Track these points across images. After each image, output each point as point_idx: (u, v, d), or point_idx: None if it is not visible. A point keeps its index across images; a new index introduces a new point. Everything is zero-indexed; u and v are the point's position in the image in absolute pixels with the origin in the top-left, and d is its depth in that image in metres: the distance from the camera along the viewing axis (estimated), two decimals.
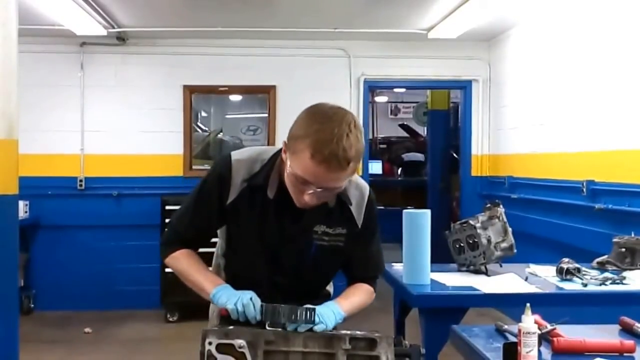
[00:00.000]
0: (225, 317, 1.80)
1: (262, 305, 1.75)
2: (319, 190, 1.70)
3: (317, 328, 1.73)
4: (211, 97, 6.74)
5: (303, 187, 1.70)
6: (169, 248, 1.96)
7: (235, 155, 1.89)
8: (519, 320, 1.72)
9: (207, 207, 1.90)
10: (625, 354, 1.83)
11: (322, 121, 1.66)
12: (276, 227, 1.86)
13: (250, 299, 1.76)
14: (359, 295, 1.98)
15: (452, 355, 2.30)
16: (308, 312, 1.71)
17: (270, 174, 1.84)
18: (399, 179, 10.97)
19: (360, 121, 6.58)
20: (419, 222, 2.73)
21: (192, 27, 5.77)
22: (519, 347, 1.70)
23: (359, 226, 1.91)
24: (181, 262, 1.94)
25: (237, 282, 1.89)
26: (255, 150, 1.94)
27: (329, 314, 1.79)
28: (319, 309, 1.77)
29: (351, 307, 1.91)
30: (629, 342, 1.87)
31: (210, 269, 2.05)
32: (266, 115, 6.40)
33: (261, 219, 1.85)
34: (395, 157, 11.46)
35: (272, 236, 1.87)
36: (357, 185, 1.92)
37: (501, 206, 3.08)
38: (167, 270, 5.62)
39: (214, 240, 2.06)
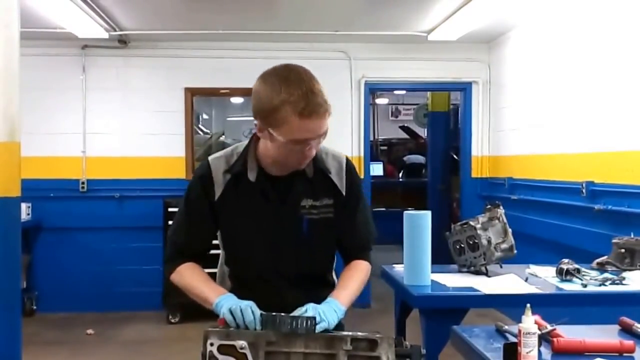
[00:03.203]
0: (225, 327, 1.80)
1: (261, 315, 1.75)
2: (315, 141, 1.75)
3: (320, 327, 1.74)
4: (212, 99, 6.76)
5: (302, 147, 1.75)
6: (172, 264, 1.97)
7: (211, 157, 1.95)
8: (519, 320, 1.73)
9: (198, 212, 1.92)
10: (625, 354, 1.84)
11: (286, 84, 1.69)
12: (265, 210, 1.88)
13: (250, 307, 1.74)
14: (355, 278, 1.97)
15: (452, 355, 2.31)
16: (309, 321, 1.72)
17: (247, 160, 1.88)
18: (400, 180, 10.99)
19: (361, 123, 6.59)
20: (419, 223, 2.75)
21: (193, 29, 5.79)
22: (519, 348, 1.71)
23: (344, 194, 1.93)
24: (184, 276, 1.95)
25: (243, 284, 1.91)
26: (229, 148, 1.98)
27: (331, 312, 1.79)
28: (320, 307, 1.78)
29: (350, 296, 1.91)
30: (629, 342, 1.88)
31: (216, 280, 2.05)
32: None
33: (250, 205, 1.88)
34: (396, 159, 11.48)
35: (264, 220, 1.88)
36: (333, 156, 1.95)
37: (501, 207, 3.09)
38: None
39: (215, 252, 2.05)
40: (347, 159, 1.99)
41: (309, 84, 1.69)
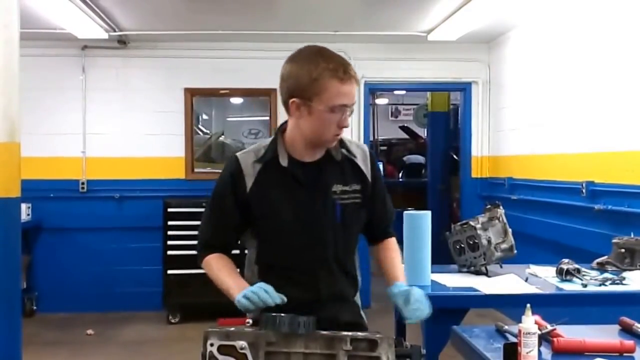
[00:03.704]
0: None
1: (261, 315, 1.75)
2: (348, 111, 1.87)
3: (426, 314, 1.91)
4: (212, 99, 6.76)
5: (339, 116, 1.85)
6: (201, 256, 2.03)
7: (239, 153, 2.01)
8: (519, 320, 1.73)
9: (223, 207, 1.98)
10: (625, 354, 1.84)
11: (322, 57, 1.87)
12: (299, 195, 1.92)
13: (260, 287, 1.79)
14: (398, 256, 2.12)
15: (452, 355, 2.31)
16: (309, 322, 1.72)
17: (276, 149, 1.95)
18: (400, 180, 10.99)
19: (361, 123, 6.57)
20: (419, 223, 2.75)
21: (193, 30, 5.79)
22: (519, 348, 1.71)
23: (369, 179, 2.01)
24: (212, 267, 2.00)
25: (278, 275, 1.90)
26: (254, 145, 2.05)
27: (424, 299, 1.92)
28: (418, 294, 1.90)
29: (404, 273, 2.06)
30: (629, 342, 1.88)
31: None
32: (267, 118, 6.42)
33: (284, 190, 1.92)
34: (396, 159, 11.48)
35: (298, 205, 1.91)
36: (357, 145, 2.06)
37: (501, 207, 3.10)
38: (169, 272, 5.72)
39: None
40: (369, 147, 2.10)
41: (339, 56, 1.89)
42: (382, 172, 2.16)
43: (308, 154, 1.95)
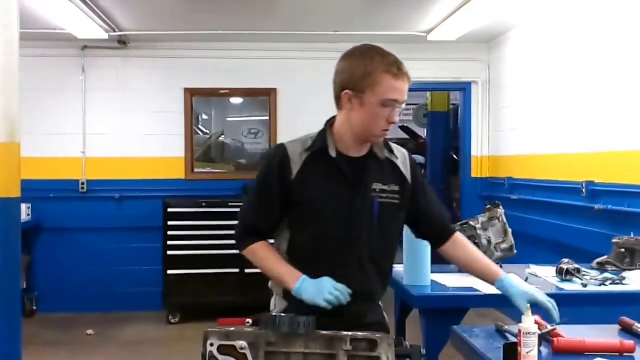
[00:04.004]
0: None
1: (261, 315, 1.75)
2: (400, 105, 1.92)
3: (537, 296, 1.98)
4: (212, 100, 6.76)
5: (389, 110, 1.90)
6: (243, 242, 2.05)
7: (286, 142, 2.03)
8: (519, 320, 1.73)
9: (270, 191, 1.98)
10: (625, 354, 1.84)
11: (378, 54, 1.93)
12: (343, 187, 1.95)
13: (334, 288, 1.85)
14: (476, 249, 2.20)
15: (452, 355, 2.31)
16: (309, 322, 1.72)
17: (326, 140, 1.98)
18: None
19: None
20: None
21: (192, 30, 5.79)
22: (519, 348, 1.71)
23: (409, 182, 2.04)
24: (258, 254, 2.02)
25: (310, 266, 1.92)
26: (300, 136, 2.05)
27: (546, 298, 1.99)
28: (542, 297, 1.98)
29: None
30: (629, 342, 1.88)
31: None
32: (267, 118, 6.42)
33: (329, 180, 1.95)
34: None
35: (341, 197, 1.94)
36: (397, 147, 2.10)
37: (501, 207, 3.10)
38: (169, 272, 5.72)
39: None
40: (409, 153, 2.14)
41: (394, 54, 1.94)
42: (424, 179, 2.18)
43: (354, 148, 1.99)
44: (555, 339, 1.88)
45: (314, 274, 1.90)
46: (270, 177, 1.98)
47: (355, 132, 1.95)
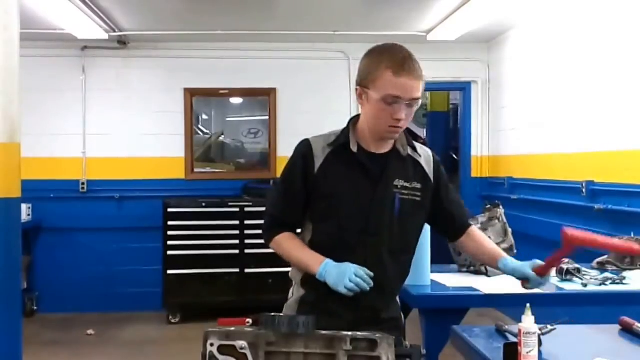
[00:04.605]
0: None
1: (261, 315, 1.75)
2: (406, 103, 1.90)
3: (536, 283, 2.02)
4: (212, 100, 6.76)
5: (393, 107, 1.90)
6: (270, 234, 2.08)
7: (310, 137, 2.08)
8: (519, 320, 1.74)
9: (295, 184, 2.03)
10: (635, 256, 1.81)
11: (388, 50, 1.95)
12: (364, 182, 1.98)
13: (356, 274, 1.87)
14: (487, 238, 2.25)
15: (452, 355, 2.31)
16: (308, 321, 1.72)
17: (349, 135, 2.02)
18: None
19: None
20: None
21: (192, 30, 5.79)
22: (519, 347, 1.71)
23: (432, 180, 2.07)
24: (283, 245, 2.05)
25: (326, 254, 1.95)
26: (325, 133, 2.10)
27: (530, 271, 2.03)
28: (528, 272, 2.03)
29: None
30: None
31: None
32: (267, 117, 6.42)
33: (350, 175, 1.99)
34: None
35: (361, 192, 1.97)
36: (422, 147, 2.12)
37: (501, 207, 3.10)
38: (169, 272, 5.72)
39: None
40: (435, 154, 2.16)
41: (408, 53, 1.93)
42: (447, 179, 2.19)
43: (375, 145, 2.01)
44: (567, 232, 1.89)
45: (340, 260, 1.92)
46: (294, 171, 2.04)
47: (369, 128, 1.99)
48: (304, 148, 2.03)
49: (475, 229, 2.22)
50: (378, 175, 1.99)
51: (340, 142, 2.01)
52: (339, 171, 1.99)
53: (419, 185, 2.03)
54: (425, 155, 2.10)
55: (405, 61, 1.90)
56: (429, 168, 2.08)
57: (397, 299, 2.13)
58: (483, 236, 2.23)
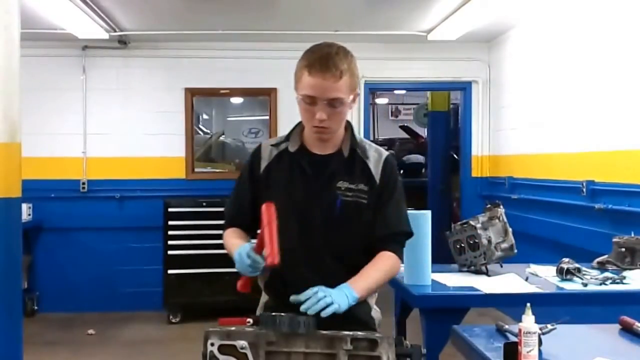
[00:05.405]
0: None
1: (261, 315, 1.76)
2: (324, 103, 1.88)
3: (331, 309, 1.74)
4: (212, 99, 6.77)
5: (313, 107, 1.90)
6: (224, 232, 2.14)
7: (266, 140, 2.18)
8: (519, 320, 1.73)
9: (242, 187, 2.11)
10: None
11: (311, 49, 1.97)
12: (300, 182, 2.00)
13: (240, 253, 1.84)
14: (376, 267, 1.97)
15: (453, 355, 2.31)
16: (309, 321, 1.72)
17: (291, 135, 2.07)
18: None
19: (361, 123, 6.55)
20: (419, 223, 2.74)
21: (193, 30, 5.79)
22: (519, 347, 1.71)
23: (377, 182, 2.02)
24: (225, 240, 2.10)
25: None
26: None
27: (342, 296, 1.81)
28: (331, 290, 1.80)
29: (367, 285, 1.92)
30: None
31: None
32: (267, 117, 6.42)
33: (287, 176, 2.02)
34: (396, 159, 11.48)
35: (297, 192, 1.99)
36: (376, 149, 2.09)
37: (501, 207, 3.10)
38: (169, 272, 5.73)
39: None
40: (389, 155, 2.10)
41: (327, 52, 1.91)
42: (398, 184, 2.05)
43: (318, 146, 2.03)
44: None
45: (283, 264, 1.83)
46: (244, 173, 2.13)
47: (306, 130, 2.03)
48: (255, 150, 2.12)
49: (387, 256, 1.98)
50: (317, 175, 1.99)
51: (282, 143, 2.06)
52: (280, 172, 2.03)
53: (365, 187, 1.99)
54: (375, 157, 2.04)
55: (320, 60, 1.88)
56: (376, 170, 2.02)
57: (370, 301, 2.05)
58: (379, 264, 1.97)
